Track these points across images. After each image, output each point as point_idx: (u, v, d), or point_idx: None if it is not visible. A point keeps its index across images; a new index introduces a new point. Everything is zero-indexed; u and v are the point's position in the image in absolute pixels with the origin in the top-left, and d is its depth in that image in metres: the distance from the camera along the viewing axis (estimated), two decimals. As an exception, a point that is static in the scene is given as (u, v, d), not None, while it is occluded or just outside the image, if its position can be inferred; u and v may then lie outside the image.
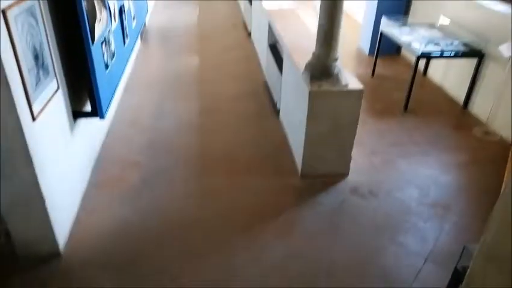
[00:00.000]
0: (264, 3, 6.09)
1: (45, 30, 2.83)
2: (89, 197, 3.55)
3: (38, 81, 2.69)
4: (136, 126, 4.74)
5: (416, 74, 4.99)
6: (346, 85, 3.51)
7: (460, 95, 5.31)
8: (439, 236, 3.22)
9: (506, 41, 4.37)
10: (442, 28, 5.55)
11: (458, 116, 5.11)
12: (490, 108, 4.75)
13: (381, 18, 5.97)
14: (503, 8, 4.64)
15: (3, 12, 2.29)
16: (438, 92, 5.69)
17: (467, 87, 5.05)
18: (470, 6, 5.08)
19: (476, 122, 4.93)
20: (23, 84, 2.48)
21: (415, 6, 6.36)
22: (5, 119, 2.39)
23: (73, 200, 3.36)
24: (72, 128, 3.37)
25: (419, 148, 4.39)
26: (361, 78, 3.95)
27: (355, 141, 3.74)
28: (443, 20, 5.62)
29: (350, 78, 3.61)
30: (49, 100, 2.85)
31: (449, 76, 5.59)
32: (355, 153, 3.84)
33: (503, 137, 4.56)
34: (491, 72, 4.77)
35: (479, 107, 4.97)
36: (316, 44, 3.50)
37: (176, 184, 3.75)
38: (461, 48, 4.93)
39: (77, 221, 3.27)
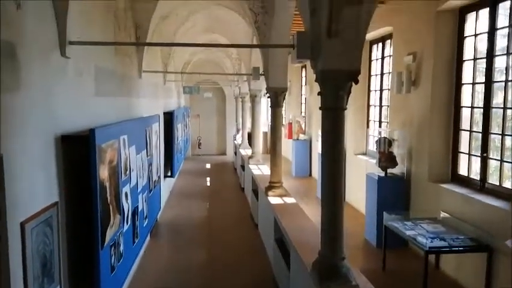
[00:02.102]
0: (270, 198, 6.43)
1: (59, 238, 2.94)
2: None
3: (40, 290, 2.64)
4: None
5: (428, 267, 4.83)
6: (357, 286, 3.38)
7: (479, 289, 5.02)
8: None
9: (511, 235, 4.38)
10: (444, 222, 5.66)
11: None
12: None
13: (382, 212, 6.16)
14: (501, 203, 4.81)
15: (22, 226, 2.43)
16: (455, 286, 5.41)
17: (484, 283, 4.82)
18: (469, 201, 5.29)
19: (504, 322, 4.52)
20: (24, 296, 2.44)
21: (414, 201, 6.64)
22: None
23: None
24: None
25: None
26: (372, 273, 3.84)
27: None
28: (444, 215, 5.77)
29: (359, 278, 3.50)
30: (47, 310, 2.74)
31: (464, 268, 5.40)
32: None
33: None
34: (505, 267, 4.62)
35: (503, 305, 4.63)
36: (321, 244, 3.53)
37: None
38: (469, 243, 4.91)
39: None
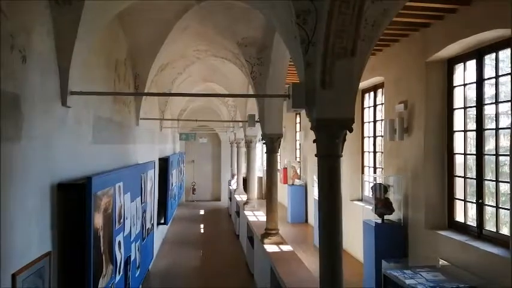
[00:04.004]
0: (266, 246, 6.32)
1: (49, 291, 2.85)
2: None
3: None
4: None
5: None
6: None
7: None
8: None
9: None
10: (444, 270, 5.55)
11: None
12: None
13: (380, 259, 6.05)
14: (499, 250, 4.77)
15: (13, 277, 2.37)
16: None
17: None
18: (467, 249, 5.23)
19: None
20: None
21: (412, 248, 6.55)
22: None
23: None
24: None
25: None
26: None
27: None
28: (443, 262, 5.68)
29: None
30: None
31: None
32: None
33: None
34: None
35: None
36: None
37: None
38: (470, 292, 4.81)
39: None
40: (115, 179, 3.97)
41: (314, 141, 3.48)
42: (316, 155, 3.50)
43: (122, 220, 4.24)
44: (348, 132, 3.40)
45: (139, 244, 5.33)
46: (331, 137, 3.35)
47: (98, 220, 3.33)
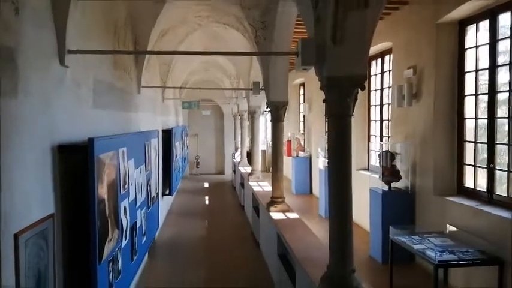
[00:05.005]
0: (272, 214, 6.27)
1: (54, 252, 2.79)
2: None
3: (33, 308, 2.48)
4: None
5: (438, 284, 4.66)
6: (368, 302, 3.22)
7: (491, 308, 4.83)
8: None
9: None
10: (452, 235, 5.51)
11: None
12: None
13: (387, 227, 6.00)
14: (510, 214, 4.69)
15: (15, 237, 2.29)
16: (466, 303, 5.22)
17: (497, 298, 4.65)
18: (477, 214, 5.16)
19: None
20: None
21: (419, 215, 6.49)
22: None
23: None
24: None
25: None
26: (381, 292, 3.65)
27: None
28: (451, 228, 5.63)
29: (370, 293, 3.35)
30: (40, 330, 2.57)
31: (474, 283, 5.22)
32: None
33: None
34: (517, 281, 4.46)
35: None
36: (330, 257, 3.38)
37: None
38: (479, 256, 4.76)
39: None
40: (118, 143, 3.86)
41: (324, 100, 3.33)
42: (326, 115, 3.36)
43: (126, 186, 4.16)
44: (359, 90, 3.26)
45: (145, 212, 5.28)
46: (342, 95, 3.21)
47: (102, 183, 3.24)
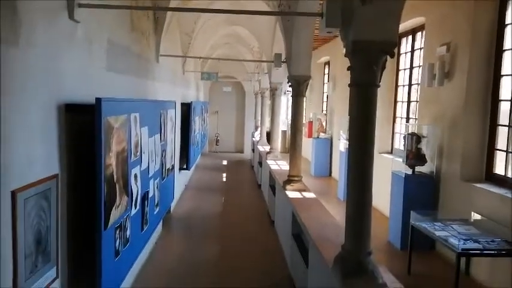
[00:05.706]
0: (288, 192, 6.09)
1: (57, 214, 2.68)
2: None
3: (33, 269, 2.39)
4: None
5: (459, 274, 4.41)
6: (384, 285, 3.02)
7: (516, 300, 4.56)
8: None
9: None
10: (477, 224, 5.21)
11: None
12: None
13: (408, 212, 5.74)
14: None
15: (13, 194, 2.18)
16: (487, 294, 4.96)
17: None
18: (506, 202, 4.84)
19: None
20: (13, 275, 2.18)
21: (443, 201, 6.19)
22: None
23: None
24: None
25: None
26: (396, 277, 3.45)
27: None
28: (476, 216, 5.33)
29: (387, 276, 3.14)
30: (42, 291, 2.49)
31: (497, 274, 4.94)
32: None
33: None
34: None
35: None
36: (346, 237, 3.18)
37: None
38: (505, 246, 4.48)
39: None
40: (130, 108, 3.71)
41: (348, 68, 3.07)
42: (349, 85, 3.11)
43: (138, 153, 4.03)
44: (388, 57, 2.98)
45: (159, 182, 5.18)
46: (369, 62, 2.93)
47: (111, 147, 3.10)
